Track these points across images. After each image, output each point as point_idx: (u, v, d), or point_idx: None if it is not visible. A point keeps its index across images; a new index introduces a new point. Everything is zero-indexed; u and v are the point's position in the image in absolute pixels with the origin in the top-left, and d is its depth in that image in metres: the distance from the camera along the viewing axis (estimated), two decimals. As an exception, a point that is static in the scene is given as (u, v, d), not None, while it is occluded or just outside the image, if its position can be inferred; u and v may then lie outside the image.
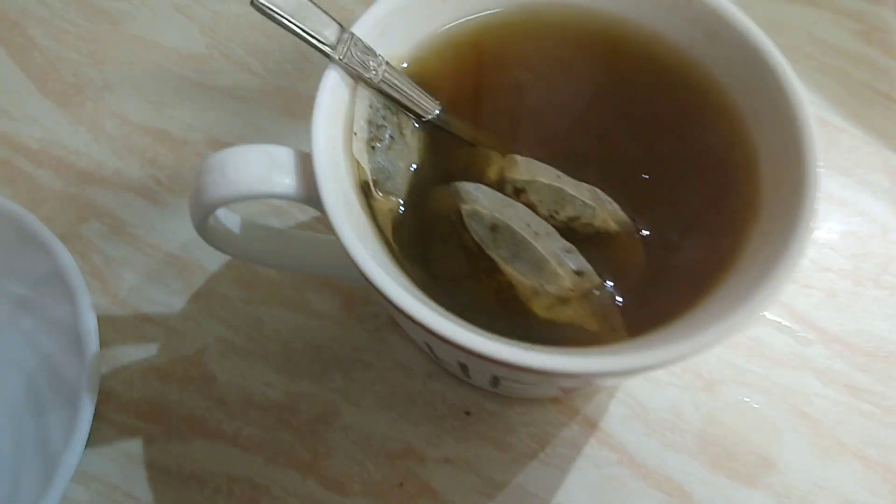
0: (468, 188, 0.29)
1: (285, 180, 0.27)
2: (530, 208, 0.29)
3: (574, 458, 0.36)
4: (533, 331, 0.27)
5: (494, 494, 0.35)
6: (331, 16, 0.28)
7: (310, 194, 0.26)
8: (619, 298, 0.28)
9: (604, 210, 0.29)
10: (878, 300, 0.39)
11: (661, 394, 0.37)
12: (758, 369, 0.37)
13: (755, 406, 0.36)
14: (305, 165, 0.27)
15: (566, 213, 0.29)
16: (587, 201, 0.29)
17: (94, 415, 0.35)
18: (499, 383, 0.31)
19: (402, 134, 0.30)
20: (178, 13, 0.49)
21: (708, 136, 0.30)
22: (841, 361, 0.37)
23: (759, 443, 0.36)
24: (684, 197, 0.30)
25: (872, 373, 0.37)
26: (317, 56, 0.28)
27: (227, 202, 0.27)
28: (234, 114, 0.45)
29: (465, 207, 0.29)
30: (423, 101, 0.30)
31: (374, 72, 0.29)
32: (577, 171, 0.30)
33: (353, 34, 0.28)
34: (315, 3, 0.27)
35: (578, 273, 0.27)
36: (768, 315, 0.39)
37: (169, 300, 0.39)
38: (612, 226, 0.29)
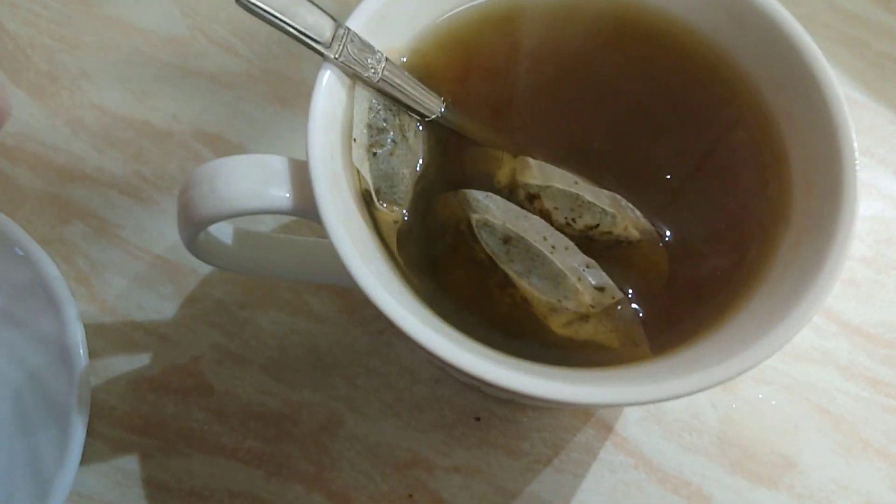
0: (478, 196, 0.27)
1: (280, 194, 0.25)
2: (545, 215, 0.27)
3: (589, 464, 0.34)
4: (551, 350, 0.25)
5: (507, 504, 0.34)
6: (324, 10, 0.25)
7: (307, 208, 0.25)
8: (640, 312, 0.26)
9: (625, 217, 0.27)
10: (902, 289, 0.37)
11: (677, 394, 0.35)
12: (777, 365, 0.36)
13: (774, 404, 0.35)
14: (301, 176, 0.25)
15: (584, 221, 0.27)
16: (606, 208, 0.27)
17: (87, 431, 0.33)
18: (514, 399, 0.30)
19: (404, 137, 0.27)
20: (155, -8, 0.46)
21: (734, 134, 0.28)
22: (864, 355, 0.36)
23: (780, 442, 0.35)
24: (709, 200, 0.28)
25: (896, 366, 0.36)
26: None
27: (217, 219, 0.25)
28: (220, 102, 0.42)
29: (475, 217, 0.27)
30: (426, 100, 0.28)
31: (372, 70, 0.26)
32: (593, 170, 0.28)
33: (348, 29, 0.26)
34: (306, -3, 0.25)
35: (599, 289, 0.25)
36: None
37: (160, 306, 0.37)
38: (634, 234, 0.27)
